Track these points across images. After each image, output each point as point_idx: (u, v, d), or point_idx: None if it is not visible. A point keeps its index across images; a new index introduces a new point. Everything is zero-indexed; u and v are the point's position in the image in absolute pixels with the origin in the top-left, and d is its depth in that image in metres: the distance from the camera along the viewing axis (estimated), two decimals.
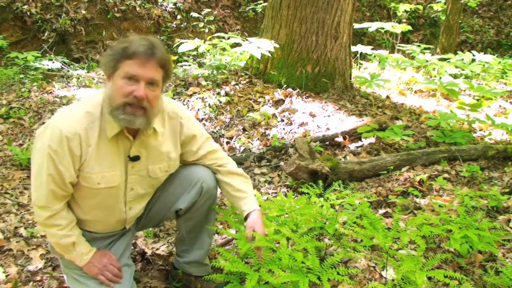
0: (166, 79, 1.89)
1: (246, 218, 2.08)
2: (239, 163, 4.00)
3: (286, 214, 2.29)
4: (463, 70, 6.63)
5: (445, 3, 9.10)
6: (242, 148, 4.27)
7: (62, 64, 6.71)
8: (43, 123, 4.67)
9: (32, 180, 1.90)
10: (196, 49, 5.51)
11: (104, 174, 1.90)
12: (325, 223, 2.33)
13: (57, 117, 1.87)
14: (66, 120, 1.83)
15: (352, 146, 4.17)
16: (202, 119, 4.67)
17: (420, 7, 9.52)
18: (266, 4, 6.02)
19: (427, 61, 6.81)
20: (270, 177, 3.75)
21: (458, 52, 7.81)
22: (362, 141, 4.21)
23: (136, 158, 1.97)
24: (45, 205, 1.89)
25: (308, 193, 2.68)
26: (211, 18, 8.71)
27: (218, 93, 5.06)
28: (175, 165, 2.15)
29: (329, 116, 4.72)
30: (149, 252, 2.67)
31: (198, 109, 4.79)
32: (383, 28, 7.62)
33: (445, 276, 1.83)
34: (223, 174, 2.20)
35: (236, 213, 2.34)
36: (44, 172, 1.83)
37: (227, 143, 4.37)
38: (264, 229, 2.03)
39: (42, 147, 1.83)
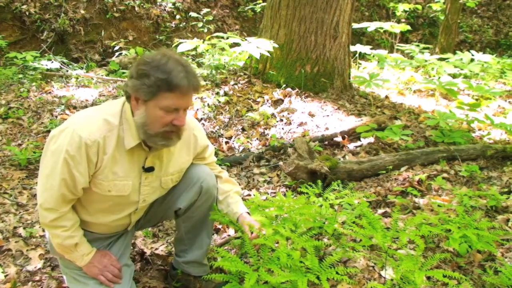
0: None
1: (238, 218, 2.16)
2: (238, 163, 4.00)
3: (285, 214, 2.29)
4: (462, 69, 6.63)
5: (444, 3, 9.10)
6: (241, 148, 4.27)
7: (61, 64, 6.70)
8: (42, 123, 4.67)
9: (41, 181, 1.88)
10: (195, 49, 5.51)
11: (116, 183, 1.91)
12: (324, 223, 2.33)
13: (76, 122, 1.85)
14: (86, 127, 1.81)
15: (351, 146, 4.17)
16: (201, 119, 4.67)
17: (419, 6, 9.52)
18: (265, 4, 6.02)
19: (426, 60, 6.82)
20: (269, 177, 3.75)
21: (457, 51, 7.81)
22: (361, 141, 4.22)
23: (150, 169, 1.98)
24: (52, 208, 1.88)
25: (307, 193, 2.68)
26: (210, 18, 8.70)
27: (217, 93, 5.05)
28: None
29: (328, 115, 4.72)
30: (148, 252, 2.67)
31: (197, 109, 4.79)
32: (382, 28, 7.62)
33: (444, 276, 1.83)
34: (222, 182, 2.29)
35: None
36: (58, 176, 1.81)
37: (226, 143, 4.37)
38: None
39: (57, 150, 1.80)
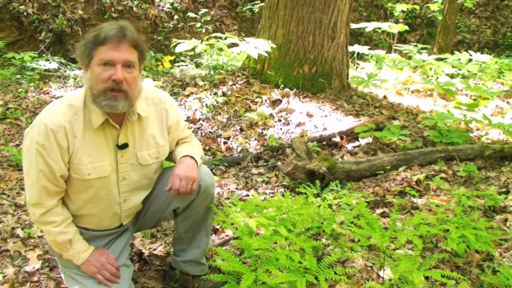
0: (142, 59, 1.92)
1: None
2: (237, 163, 4.00)
3: (284, 214, 2.29)
4: (460, 70, 6.64)
5: (441, 3, 9.12)
6: (239, 148, 4.27)
7: (59, 65, 6.70)
8: None
9: (24, 179, 1.94)
10: (193, 49, 5.51)
11: (94, 165, 1.93)
12: (322, 223, 2.33)
13: (41, 114, 1.92)
14: (50, 115, 1.88)
15: (349, 146, 4.18)
16: (199, 119, 4.67)
17: (417, 7, 9.53)
18: (263, 4, 6.02)
19: (424, 61, 6.82)
20: (268, 177, 3.75)
21: (455, 52, 7.82)
22: (359, 141, 4.22)
23: (124, 146, 1.99)
24: (37, 202, 1.91)
25: (305, 193, 2.68)
26: (208, 18, 8.70)
27: (215, 93, 5.05)
28: (164, 152, 2.16)
29: (326, 116, 4.72)
30: (146, 252, 2.67)
31: (195, 110, 4.79)
32: (380, 28, 7.62)
33: (442, 276, 1.83)
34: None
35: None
36: (34, 169, 1.86)
37: (224, 143, 4.37)
38: (191, 173, 2.01)
39: (30, 144, 1.87)
